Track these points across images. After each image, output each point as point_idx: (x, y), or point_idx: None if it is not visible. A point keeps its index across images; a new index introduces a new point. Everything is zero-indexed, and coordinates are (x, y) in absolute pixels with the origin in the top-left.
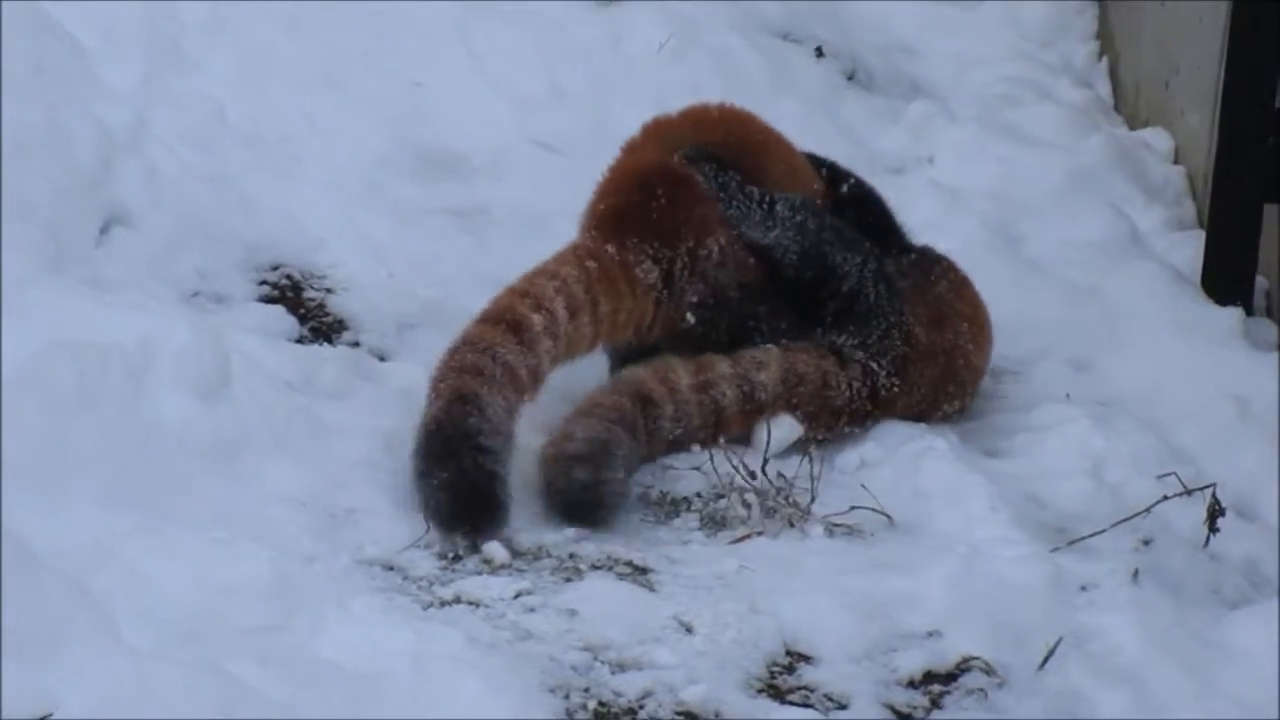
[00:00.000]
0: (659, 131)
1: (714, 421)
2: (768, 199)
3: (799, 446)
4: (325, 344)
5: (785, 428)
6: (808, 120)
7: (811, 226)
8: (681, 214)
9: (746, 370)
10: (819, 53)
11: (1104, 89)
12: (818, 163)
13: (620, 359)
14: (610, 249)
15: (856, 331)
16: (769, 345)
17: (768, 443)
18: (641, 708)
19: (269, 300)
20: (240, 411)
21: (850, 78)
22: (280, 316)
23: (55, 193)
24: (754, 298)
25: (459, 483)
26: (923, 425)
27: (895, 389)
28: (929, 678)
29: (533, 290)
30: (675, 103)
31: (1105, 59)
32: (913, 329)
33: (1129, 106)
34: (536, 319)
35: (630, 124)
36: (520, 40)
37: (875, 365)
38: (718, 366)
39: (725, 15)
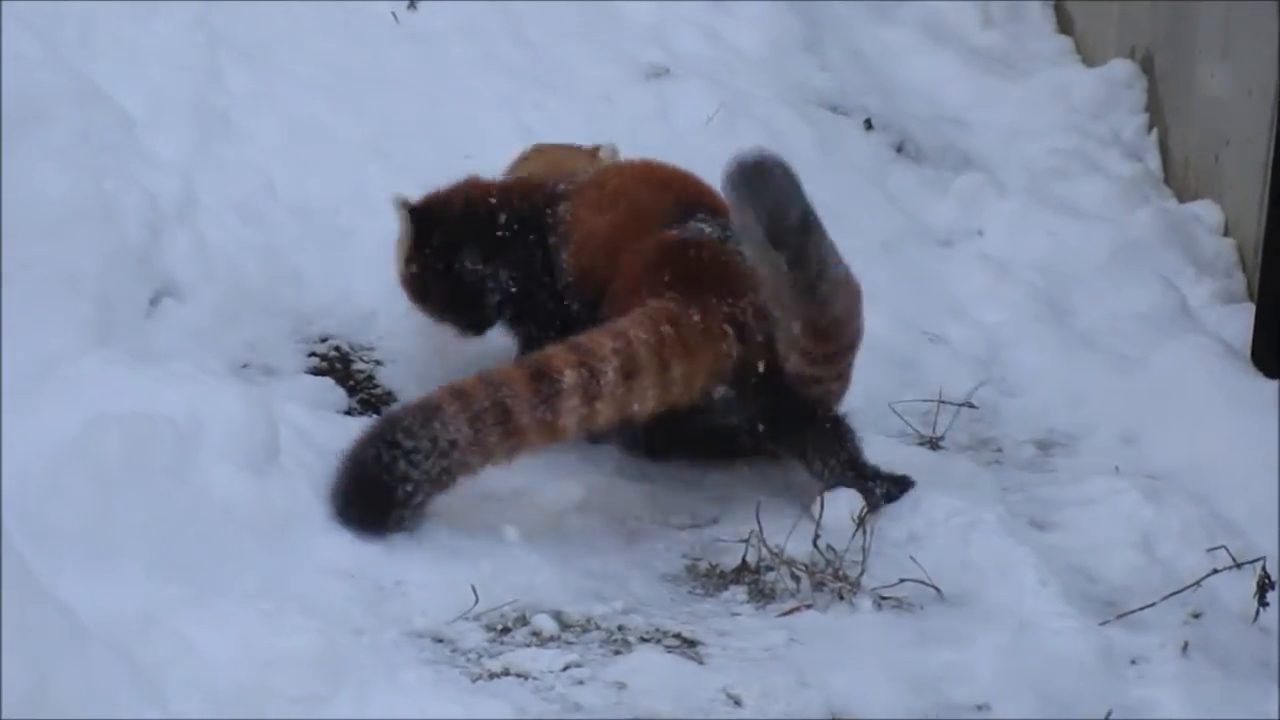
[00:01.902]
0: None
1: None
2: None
3: (850, 519)
4: (375, 416)
5: (845, 502)
6: (857, 192)
7: None
8: (730, 268)
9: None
10: (868, 125)
11: (1154, 162)
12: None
13: None
14: (693, 312)
15: None
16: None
17: (819, 517)
18: None
19: (318, 372)
20: (289, 483)
21: (899, 150)
22: (329, 388)
23: (104, 264)
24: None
25: (353, 466)
26: (971, 498)
27: None
28: None
29: (587, 347)
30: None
31: (1155, 132)
32: None
33: (1178, 179)
34: (569, 376)
35: None
36: (569, 112)
37: None
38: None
39: (774, 87)
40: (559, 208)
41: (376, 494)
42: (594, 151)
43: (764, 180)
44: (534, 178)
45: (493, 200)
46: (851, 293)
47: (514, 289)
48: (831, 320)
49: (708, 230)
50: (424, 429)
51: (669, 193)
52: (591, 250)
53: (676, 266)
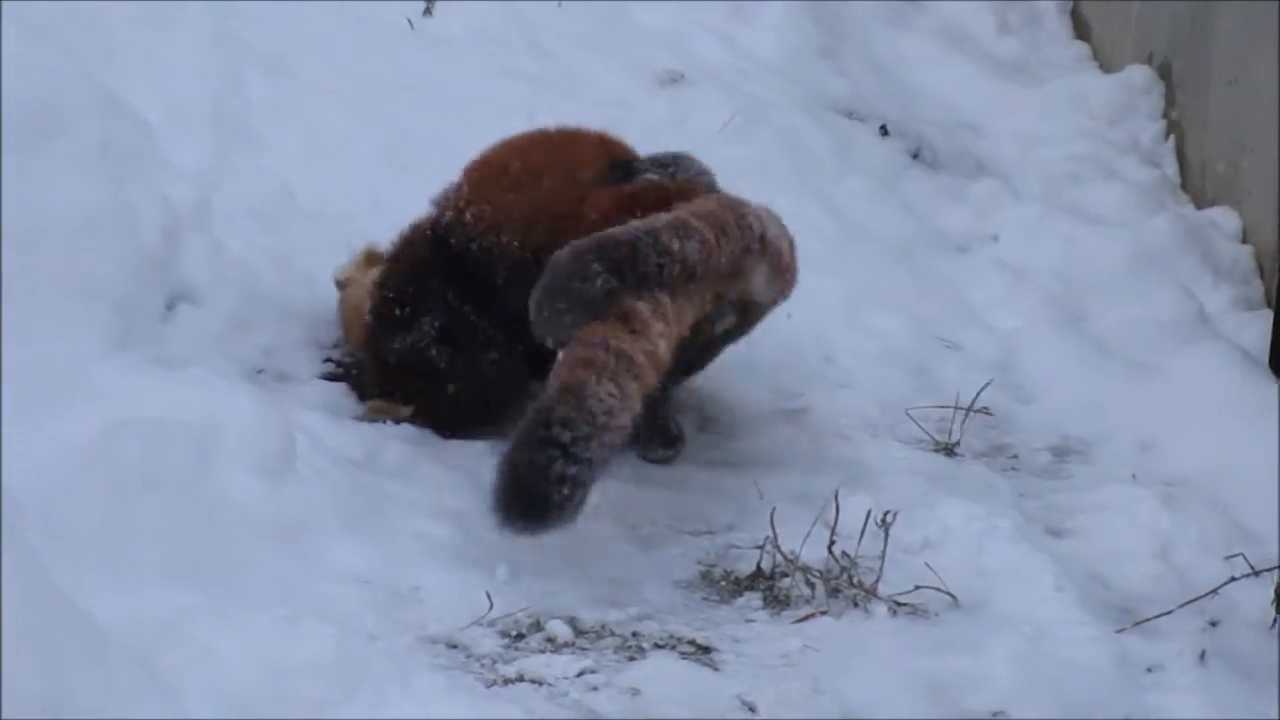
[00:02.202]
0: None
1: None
2: (671, 159)
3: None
4: (389, 422)
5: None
6: (872, 198)
7: None
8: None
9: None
10: (884, 131)
11: (1171, 168)
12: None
13: None
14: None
15: None
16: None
17: (835, 522)
18: None
19: (333, 378)
20: (304, 489)
21: (915, 156)
22: (344, 394)
23: (122, 270)
24: None
25: (516, 471)
26: (987, 504)
27: None
28: None
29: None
30: (740, 181)
31: (1172, 138)
32: None
33: (1196, 186)
34: (643, 306)
35: None
36: (585, 118)
37: None
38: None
39: (790, 94)
40: (459, 223)
41: (534, 503)
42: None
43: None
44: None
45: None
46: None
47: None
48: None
49: (656, 178)
50: (580, 413)
51: (599, 155)
52: (526, 227)
53: (646, 210)
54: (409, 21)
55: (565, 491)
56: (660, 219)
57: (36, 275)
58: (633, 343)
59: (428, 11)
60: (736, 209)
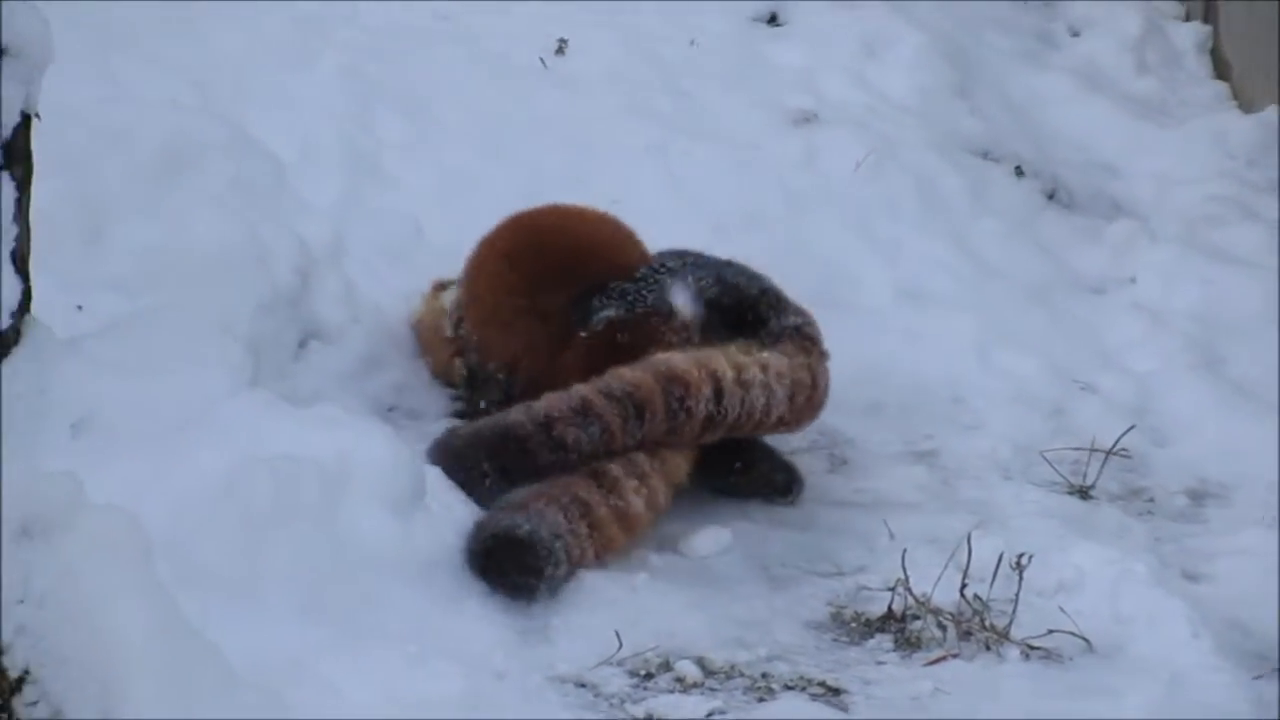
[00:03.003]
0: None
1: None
2: (653, 274)
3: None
4: None
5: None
6: (1007, 240)
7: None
8: (658, 333)
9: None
10: (1019, 172)
11: None
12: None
13: None
14: None
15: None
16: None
17: (967, 564)
18: None
19: (461, 415)
20: (434, 527)
21: (1050, 197)
22: None
23: (255, 308)
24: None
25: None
26: (1122, 548)
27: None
28: None
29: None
30: (872, 222)
31: None
32: None
33: None
34: (614, 467)
35: (826, 243)
36: (717, 159)
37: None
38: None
39: (923, 134)
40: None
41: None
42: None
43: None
44: None
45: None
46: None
47: None
48: None
49: (613, 313)
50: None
51: (562, 285)
52: (509, 369)
53: (617, 356)
54: (541, 60)
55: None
56: (568, 396)
57: (169, 312)
58: (602, 497)
59: (560, 50)
60: (707, 367)
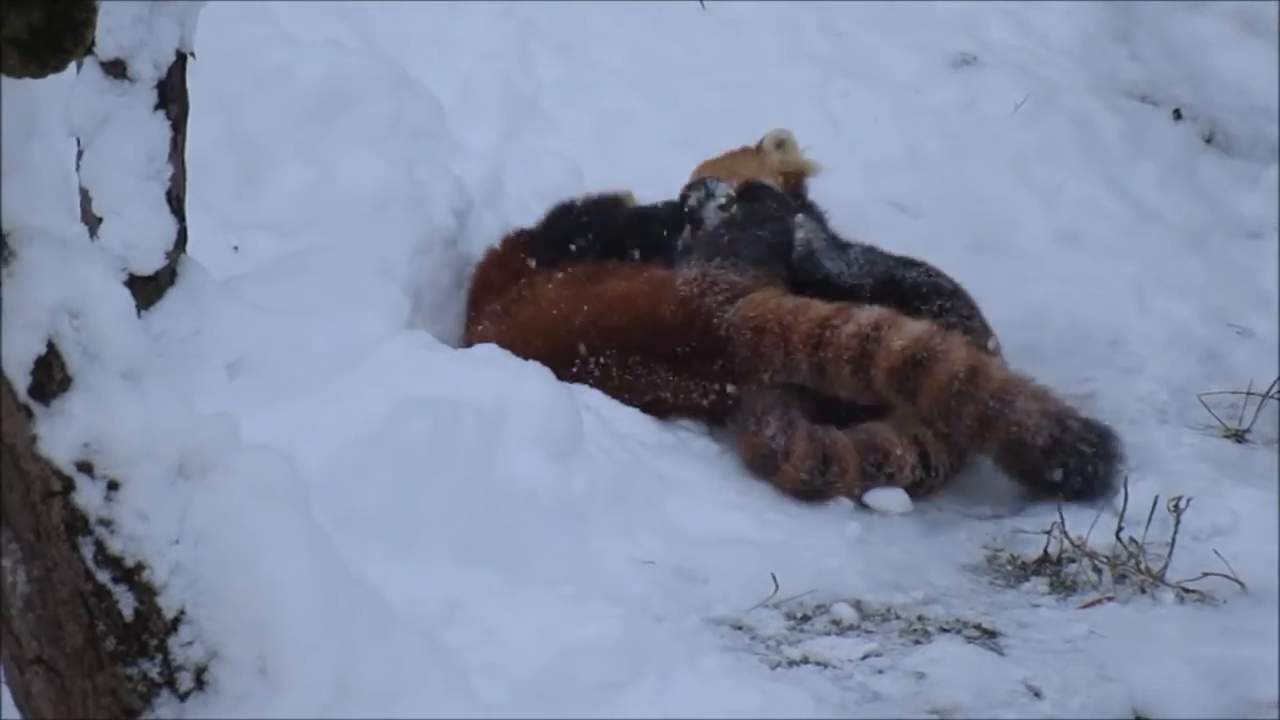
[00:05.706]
0: None
1: None
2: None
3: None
4: None
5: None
6: (1164, 183)
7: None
8: None
9: None
10: (1177, 115)
11: None
12: None
13: None
14: None
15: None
16: None
17: (1123, 508)
18: None
19: None
20: (592, 470)
21: (1209, 140)
22: None
23: (412, 249)
24: None
25: None
26: (1277, 491)
27: None
28: None
29: None
30: (1030, 166)
31: None
32: None
33: None
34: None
35: (984, 186)
36: (876, 102)
37: None
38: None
39: (1083, 77)
40: None
41: None
42: (758, 149)
43: None
44: None
45: None
46: None
47: None
48: None
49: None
50: None
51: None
52: None
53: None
54: (700, 2)
55: None
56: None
57: (326, 253)
58: None
59: None
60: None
